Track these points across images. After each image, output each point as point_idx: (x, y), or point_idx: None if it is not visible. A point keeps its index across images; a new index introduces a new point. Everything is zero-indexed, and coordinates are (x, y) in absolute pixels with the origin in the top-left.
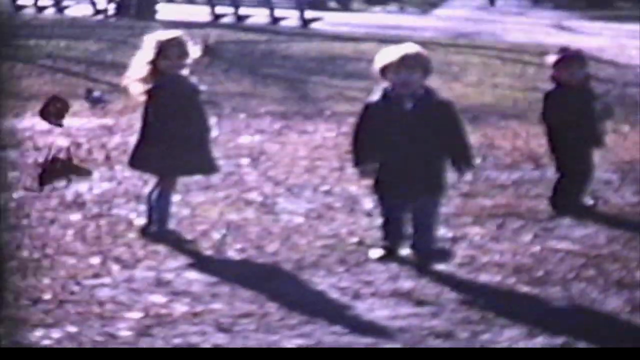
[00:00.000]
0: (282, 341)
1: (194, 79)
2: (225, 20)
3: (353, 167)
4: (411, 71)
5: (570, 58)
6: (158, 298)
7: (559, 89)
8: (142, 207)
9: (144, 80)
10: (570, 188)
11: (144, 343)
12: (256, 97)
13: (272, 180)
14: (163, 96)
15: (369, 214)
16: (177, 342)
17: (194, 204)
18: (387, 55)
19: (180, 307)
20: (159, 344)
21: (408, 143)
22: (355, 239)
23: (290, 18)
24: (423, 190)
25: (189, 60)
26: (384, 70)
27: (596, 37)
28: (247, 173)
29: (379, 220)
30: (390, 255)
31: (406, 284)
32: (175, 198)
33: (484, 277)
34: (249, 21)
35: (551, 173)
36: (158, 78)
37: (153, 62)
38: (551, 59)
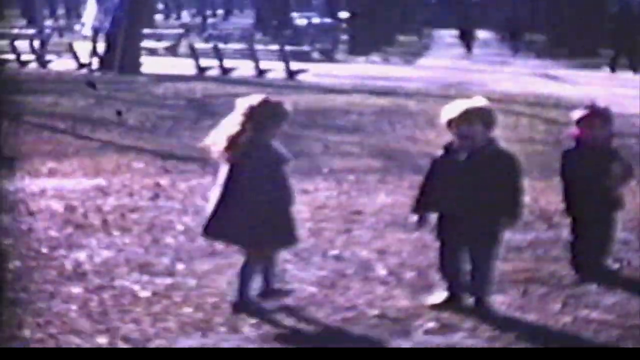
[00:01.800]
0: None
1: (280, 147)
2: (210, 73)
3: (411, 213)
4: (471, 125)
5: (596, 115)
6: None
7: (579, 148)
8: (146, 278)
9: (231, 145)
10: (592, 251)
11: None
12: None
13: None
14: (252, 164)
15: (384, 282)
16: None
17: (199, 272)
18: (450, 110)
19: None
20: None
21: (463, 193)
22: (375, 312)
23: (276, 70)
24: (476, 240)
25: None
26: (449, 124)
27: (586, 86)
28: None
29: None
30: (452, 300)
31: None
32: (179, 267)
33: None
34: (234, 74)
35: (566, 233)
36: (247, 145)
37: (245, 128)
38: (576, 114)
